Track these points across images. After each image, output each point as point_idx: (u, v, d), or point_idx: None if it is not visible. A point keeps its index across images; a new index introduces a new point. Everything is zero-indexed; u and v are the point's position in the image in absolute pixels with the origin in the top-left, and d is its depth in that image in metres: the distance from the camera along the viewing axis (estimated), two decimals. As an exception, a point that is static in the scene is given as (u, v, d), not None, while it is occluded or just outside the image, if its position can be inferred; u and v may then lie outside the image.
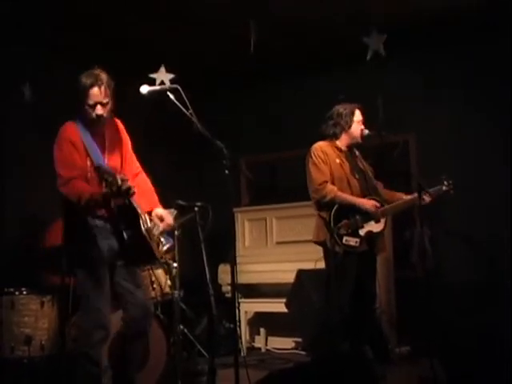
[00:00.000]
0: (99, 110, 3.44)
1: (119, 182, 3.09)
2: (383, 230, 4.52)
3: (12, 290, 4.44)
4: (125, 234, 3.39)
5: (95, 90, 3.41)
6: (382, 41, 4.84)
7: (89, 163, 3.40)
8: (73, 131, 3.45)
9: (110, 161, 3.51)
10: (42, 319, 4.44)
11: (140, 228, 3.44)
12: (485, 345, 4.21)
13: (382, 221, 4.49)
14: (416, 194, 4.45)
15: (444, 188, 4.56)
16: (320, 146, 4.57)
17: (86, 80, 3.41)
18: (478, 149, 6.07)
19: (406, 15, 5.67)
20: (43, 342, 4.39)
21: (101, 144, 3.51)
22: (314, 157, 4.52)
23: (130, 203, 3.43)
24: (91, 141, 3.45)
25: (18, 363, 4.32)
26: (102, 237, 3.42)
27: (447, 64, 6.30)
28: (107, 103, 3.47)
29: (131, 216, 3.44)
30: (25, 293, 4.46)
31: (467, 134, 6.16)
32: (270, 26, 5.52)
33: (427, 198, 4.47)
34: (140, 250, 3.48)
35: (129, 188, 3.14)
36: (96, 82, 3.41)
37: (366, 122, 4.66)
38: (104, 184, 3.12)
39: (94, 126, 3.49)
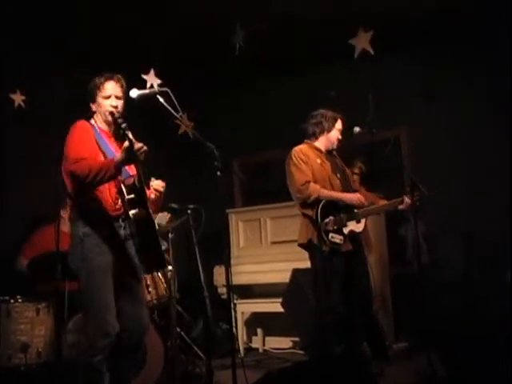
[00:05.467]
0: (114, 101, 3.45)
1: (129, 134, 3.08)
2: (364, 230, 4.56)
3: (7, 298, 4.43)
4: (131, 215, 3.26)
5: (111, 83, 3.46)
6: (368, 38, 4.85)
7: (101, 155, 3.35)
8: (86, 126, 3.43)
9: None
10: (38, 326, 4.42)
11: (154, 232, 3.37)
12: (483, 339, 4.23)
13: (363, 221, 4.53)
14: (395, 200, 4.58)
15: (425, 193, 4.51)
16: (300, 149, 4.61)
17: (101, 77, 3.46)
18: (471, 143, 6.08)
19: (402, 10, 5.71)
20: (40, 349, 4.37)
21: (111, 144, 3.47)
22: (294, 158, 4.54)
23: (140, 182, 3.33)
24: (102, 138, 3.42)
25: (15, 371, 4.30)
26: (116, 244, 3.35)
27: (440, 59, 6.31)
28: (121, 98, 3.49)
29: (140, 197, 3.33)
30: (20, 300, 4.44)
31: (460, 128, 6.16)
32: (261, 26, 5.53)
33: (407, 202, 4.53)
34: (152, 255, 3.41)
35: (141, 146, 3.10)
36: (111, 77, 3.47)
37: (358, 120, 4.70)
38: (116, 127, 3.11)
39: (107, 120, 3.46)
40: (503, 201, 5.66)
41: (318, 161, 4.57)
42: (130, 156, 3.14)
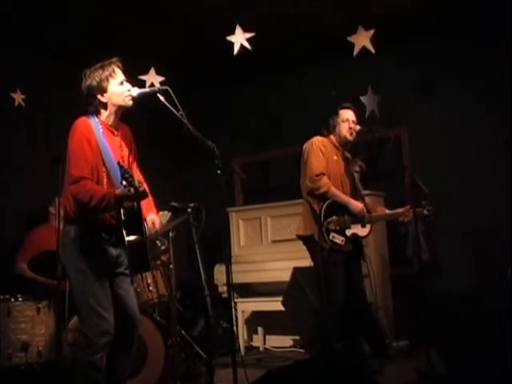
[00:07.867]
0: (127, 85, 3.38)
1: (137, 183, 3.02)
2: (367, 235, 4.59)
3: (8, 296, 4.43)
4: (126, 242, 3.29)
5: (117, 68, 3.39)
6: (368, 36, 4.81)
7: (101, 162, 3.29)
8: (88, 127, 3.31)
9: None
10: (38, 325, 4.43)
11: (143, 236, 3.35)
12: (483, 337, 4.23)
13: (368, 226, 4.54)
14: (400, 210, 4.58)
15: (425, 212, 4.59)
16: (321, 140, 4.62)
17: (107, 65, 3.37)
18: (472, 142, 6.08)
19: (403, 10, 5.72)
20: (40, 348, 4.38)
21: (112, 144, 3.40)
22: (314, 147, 4.55)
23: (139, 207, 3.34)
24: (104, 140, 3.33)
25: (15, 370, 4.31)
26: (106, 247, 3.34)
27: (440, 58, 6.30)
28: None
29: (136, 223, 3.33)
30: (20, 299, 4.44)
31: (460, 128, 6.15)
32: (259, 23, 5.53)
33: (408, 215, 4.54)
34: (136, 258, 3.41)
35: (144, 190, 3.08)
36: (115, 62, 3.39)
37: (359, 119, 4.70)
38: (124, 182, 3.01)
39: (122, 107, 3.40)
40: (503, 200, 5.65)
41: (335, 157, 4.60)
42: (132, 199, 3.18)
